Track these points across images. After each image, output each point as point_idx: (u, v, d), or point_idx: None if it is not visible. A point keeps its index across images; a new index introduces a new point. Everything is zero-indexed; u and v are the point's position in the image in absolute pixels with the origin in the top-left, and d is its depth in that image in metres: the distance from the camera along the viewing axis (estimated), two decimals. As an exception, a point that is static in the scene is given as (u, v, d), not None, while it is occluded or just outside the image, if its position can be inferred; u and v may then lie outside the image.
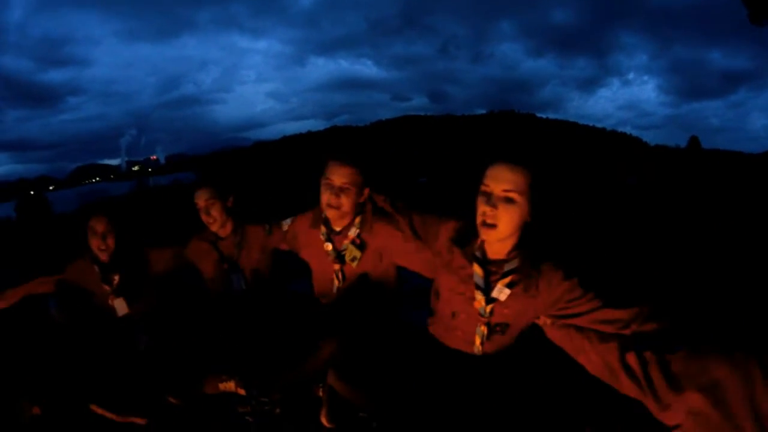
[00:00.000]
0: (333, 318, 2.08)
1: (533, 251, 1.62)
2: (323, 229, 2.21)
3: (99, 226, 2.53)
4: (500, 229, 1.54)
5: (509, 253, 1.64)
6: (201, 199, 2.54)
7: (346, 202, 2.10)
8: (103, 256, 2.58)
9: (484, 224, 1.55)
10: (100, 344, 2.49)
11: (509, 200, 1.51)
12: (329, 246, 2.19)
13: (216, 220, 2.55)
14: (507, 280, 1.62)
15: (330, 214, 2.14)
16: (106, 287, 2.59)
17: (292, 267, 2.70)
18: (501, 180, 1.53)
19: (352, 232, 2.15)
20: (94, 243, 2.56)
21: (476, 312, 1.68)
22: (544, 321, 1.68)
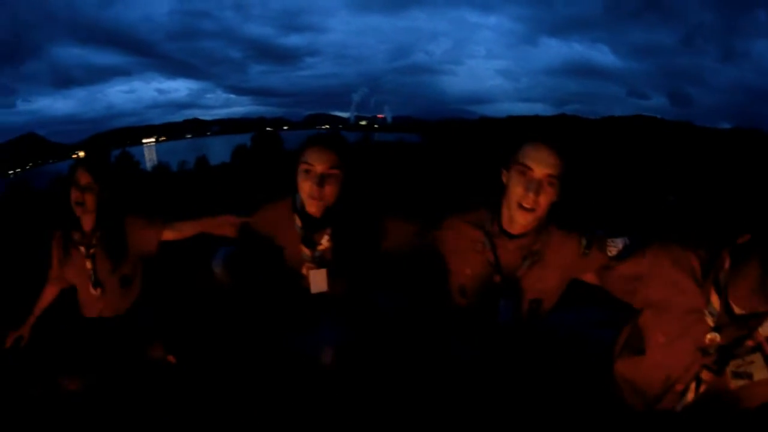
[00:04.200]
0: None
1: None
2: (715, 302, 1.42)
3: (318, 164, 1.87)
4: None
5: None
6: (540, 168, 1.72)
7: None
8: (309, 207, 1.91)
9: None
10: (269, 328, 2.08)
11: None
12: (715, 338, 1.40)
13: (538, 206, 1.71)
14: None
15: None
16: (306, 250, 2.18)
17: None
18: None
19: (767, 330, 1.37)
20: (306, 186, 1.88)
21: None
22: None
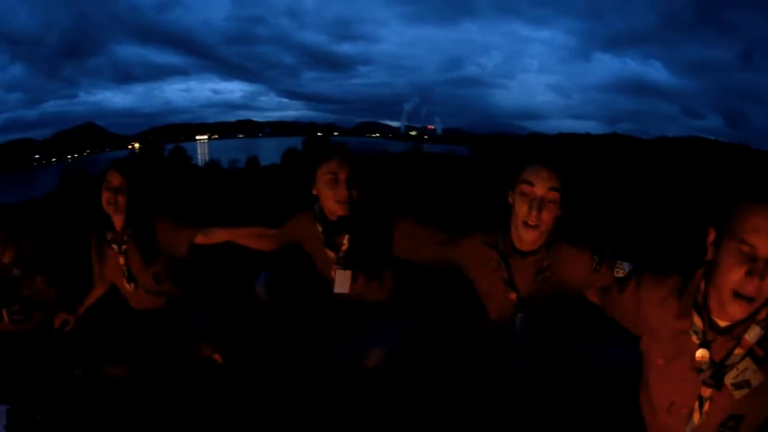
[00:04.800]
0: None
1: None
2: (697, 321, 1.50)
3: (341, 172, 2.19)
4: None
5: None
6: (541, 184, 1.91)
7: None
8: (339, 211, 2.20)
9: None
10: (309, 336, 2.28)
11: None
12: (705, 354, 1.48)
13: (543, 223, 1.95)
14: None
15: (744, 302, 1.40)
16: (330, 253, 2.25)
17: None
18: None
19: (752, 336, 1.42)
20: (333, 194, 2.20)
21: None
22: None
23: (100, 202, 2.36)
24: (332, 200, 2.14)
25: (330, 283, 2.16)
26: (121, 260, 2.40)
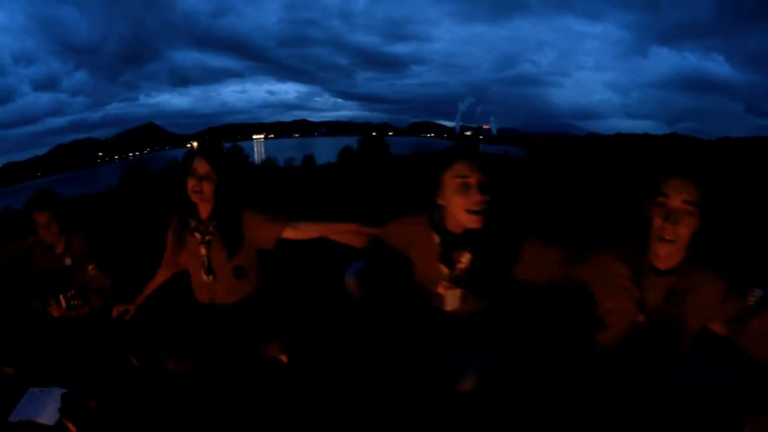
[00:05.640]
0: None
1: None
2: None
3: (472, 175, 1.86)
4: None
5: None
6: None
7: None
8: (470, 223, 1.87)
9: None
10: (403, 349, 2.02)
11: None
12: None
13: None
14: None
15: None
16: (444, 269, 1.93)
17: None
18: None
19: None
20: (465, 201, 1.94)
21: None
22: None
23: (185, 189, 2.26)
24: (462, 209, 1.82)
25: (431, 295, 1.94)
26: (203, 251, 2.28)
